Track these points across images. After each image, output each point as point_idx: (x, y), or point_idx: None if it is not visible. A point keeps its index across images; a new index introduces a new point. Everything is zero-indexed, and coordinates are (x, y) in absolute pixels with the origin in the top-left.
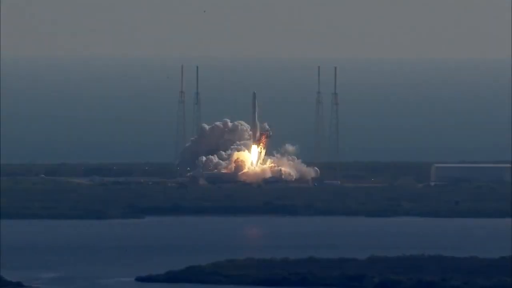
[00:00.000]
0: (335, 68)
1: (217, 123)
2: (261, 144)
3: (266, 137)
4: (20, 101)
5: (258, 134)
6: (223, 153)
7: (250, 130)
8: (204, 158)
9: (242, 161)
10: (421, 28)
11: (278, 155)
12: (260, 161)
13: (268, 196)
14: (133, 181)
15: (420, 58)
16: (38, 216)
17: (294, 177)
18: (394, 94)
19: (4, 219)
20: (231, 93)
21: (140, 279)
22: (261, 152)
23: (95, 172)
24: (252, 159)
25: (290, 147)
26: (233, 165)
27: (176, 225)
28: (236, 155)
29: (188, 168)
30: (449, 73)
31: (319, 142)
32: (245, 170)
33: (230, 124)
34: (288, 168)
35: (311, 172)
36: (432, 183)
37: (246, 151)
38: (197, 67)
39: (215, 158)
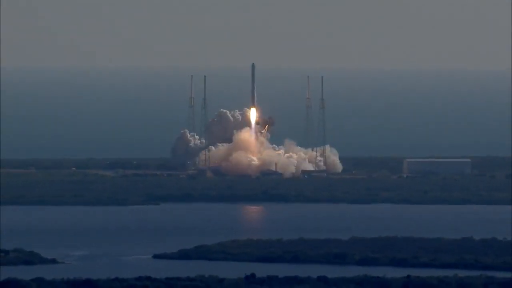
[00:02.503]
0: (322, 77)
1: (224, 110)
2: (265, 128)
3: (270, 124)
4: (54, 106)
5: (256, 110)
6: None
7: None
8: (207, 151)
9: (242, 140)
10: (396, 41)
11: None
12: (263, 143)
13: (265, 186)
14: (150, 173)
15: (396, 68)
16: (69, 203)
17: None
18: (373, 100)
19: (42, 206)
20: (233, 98)
21: (156, 256)
22: (264, 132)
23: (118, 166)
24: (252, 131)
25: (288, 142)
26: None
27: (187, 210)
28: (237, 135)
29: (189, 162)
30: (422, 82)
31: (309, 141)
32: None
33: (239, 116)
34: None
35: (337, 165)
36: (405, 175)
37: (246, 129)
38: (205, 76)
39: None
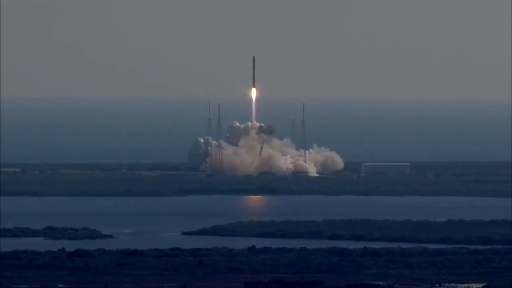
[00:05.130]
0: (303, 104)
1: (236, 122)
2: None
3: (270, 132)
4: (108, 125)
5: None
6: None
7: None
8: (221, 153)
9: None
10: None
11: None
12: (260, 150)
13: (262, 183)
14: (180, 173)
15: (363, 97)
16: (122, 195)
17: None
18: (342, 122)
19: (101, 197)
20: (241, 117)
21: (184, 233)
22: (263, 141)
23: (156, 168)
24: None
25: (286, 142)
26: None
27: (206, 200)
28: (244, 139)
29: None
30: (380, 109)
31: (293, 150)
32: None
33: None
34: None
35: (339, 162)
36: (362, 175)
37: (251, 135)
38: (219, 104)
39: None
